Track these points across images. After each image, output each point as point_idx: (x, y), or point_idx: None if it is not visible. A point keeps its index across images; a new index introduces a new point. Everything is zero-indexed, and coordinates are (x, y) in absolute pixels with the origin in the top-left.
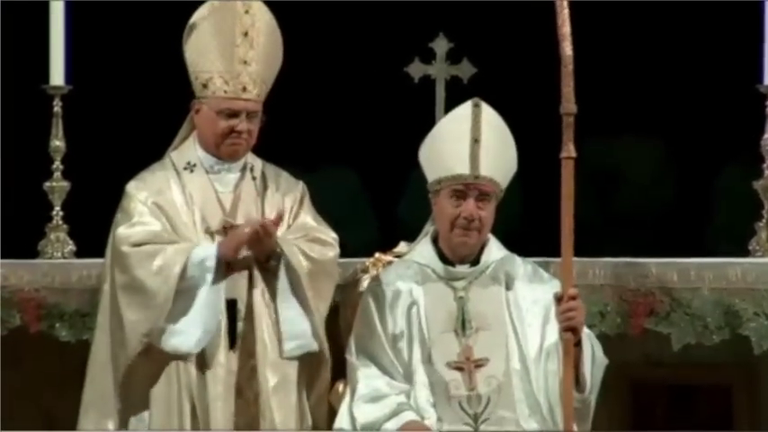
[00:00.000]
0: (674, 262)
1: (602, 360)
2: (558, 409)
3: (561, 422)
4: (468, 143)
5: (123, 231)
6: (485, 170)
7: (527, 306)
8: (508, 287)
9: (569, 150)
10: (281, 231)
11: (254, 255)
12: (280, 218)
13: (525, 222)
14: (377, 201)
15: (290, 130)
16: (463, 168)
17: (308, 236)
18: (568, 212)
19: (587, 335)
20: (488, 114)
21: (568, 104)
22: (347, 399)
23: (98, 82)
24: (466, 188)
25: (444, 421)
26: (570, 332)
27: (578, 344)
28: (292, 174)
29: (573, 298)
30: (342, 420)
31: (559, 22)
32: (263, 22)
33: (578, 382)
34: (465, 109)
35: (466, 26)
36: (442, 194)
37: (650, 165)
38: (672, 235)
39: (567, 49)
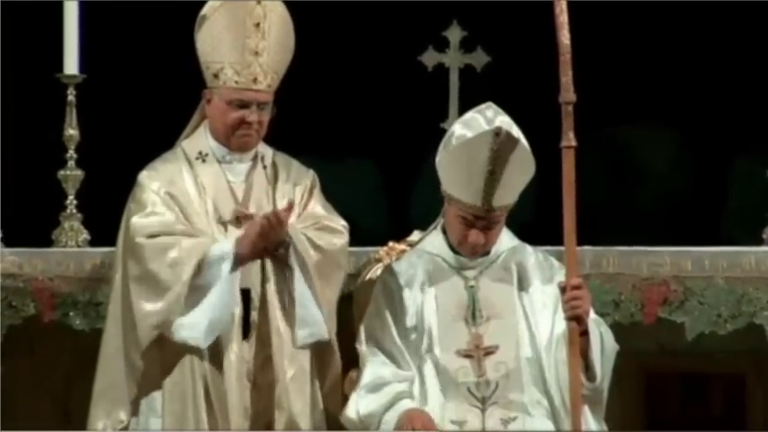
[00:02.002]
0: (688, 251)
1: (613, 347)
2: (565, 385)
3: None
4: (484, 176)
5: (137, 221)
6: (497, 201)
7: (538, 295)
8: (519, 276)
9: (569, 139)
10: (291, 220)
11: (264, 244)
12: (291, 207)
13: (538, 211)
14: (390, 189)
15: (303, 120)
16: (475, 199)
17: (316, 224)
18: (570, 202)
19: (596, 322)
20: (507, 143)
21: (567, 93)
22: (356, 388)
23: (112, 71)
24: (474, 218)
25: (451, 405)
26: (575, 321)
27: (585, 333)
28: (306, 163)
29: (577, 287)
30: (350, 410)
31: (557, 10)
32: (275, 14)
33: (588, 370)
34: (485, 137)
35: (480, 14)
36: (452, 207)
37: (664, 154)
38: (686, 224)
39: (565, 37)
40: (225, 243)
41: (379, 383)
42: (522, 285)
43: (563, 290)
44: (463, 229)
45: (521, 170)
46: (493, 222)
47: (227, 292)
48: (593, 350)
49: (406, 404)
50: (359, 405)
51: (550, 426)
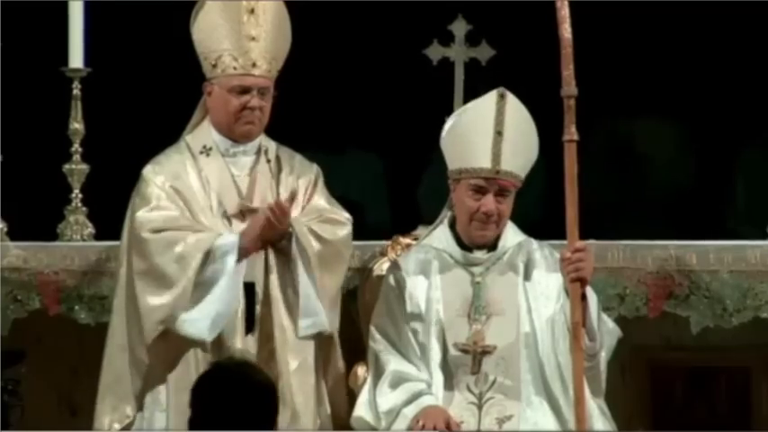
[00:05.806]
0: (694, 244)
1: (614, 328)
2: (567, 373)
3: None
4: (492, 136)
5: (142, 216)
6: (506, 164)
7: (542, 289)
8: (525, 272)
9: (571, 133)
10: (294, 213)
11: (269, 236)
12: (293, 197)
13: (544, 207)
14: (396, 183)
15: (308, 113)
16: (485, 162)
17: (320, 217)
18: (573, 195)
19: (597, 302)
20: (513, 106)
21: (569, 87)
22: (367, 386)
23: (117, 64)
24: (486, 183)
25: (452, 401)
26: (579, 282)
27: (583, 297)
28: (311, 156)
29: (580, 250)
30: (361, 409)
31: (558, 4)
32: (268, 1)
33: (587, 331)
34: (490, 99)
35: (485, 8)
36: (461, 185)
37: (670, 146)
38: (691, 217)
39: (566, 31)
40: (229, 237)
41: (400, 379)
42: (527, 280)
43: (564, 259)
44: (475, 199)
45: (526, 133)
46: (503, 191)
47: (232, 286)
48: (591, 312)
49: (428, 400)
50: (378, 401)
51: (550, 418)
